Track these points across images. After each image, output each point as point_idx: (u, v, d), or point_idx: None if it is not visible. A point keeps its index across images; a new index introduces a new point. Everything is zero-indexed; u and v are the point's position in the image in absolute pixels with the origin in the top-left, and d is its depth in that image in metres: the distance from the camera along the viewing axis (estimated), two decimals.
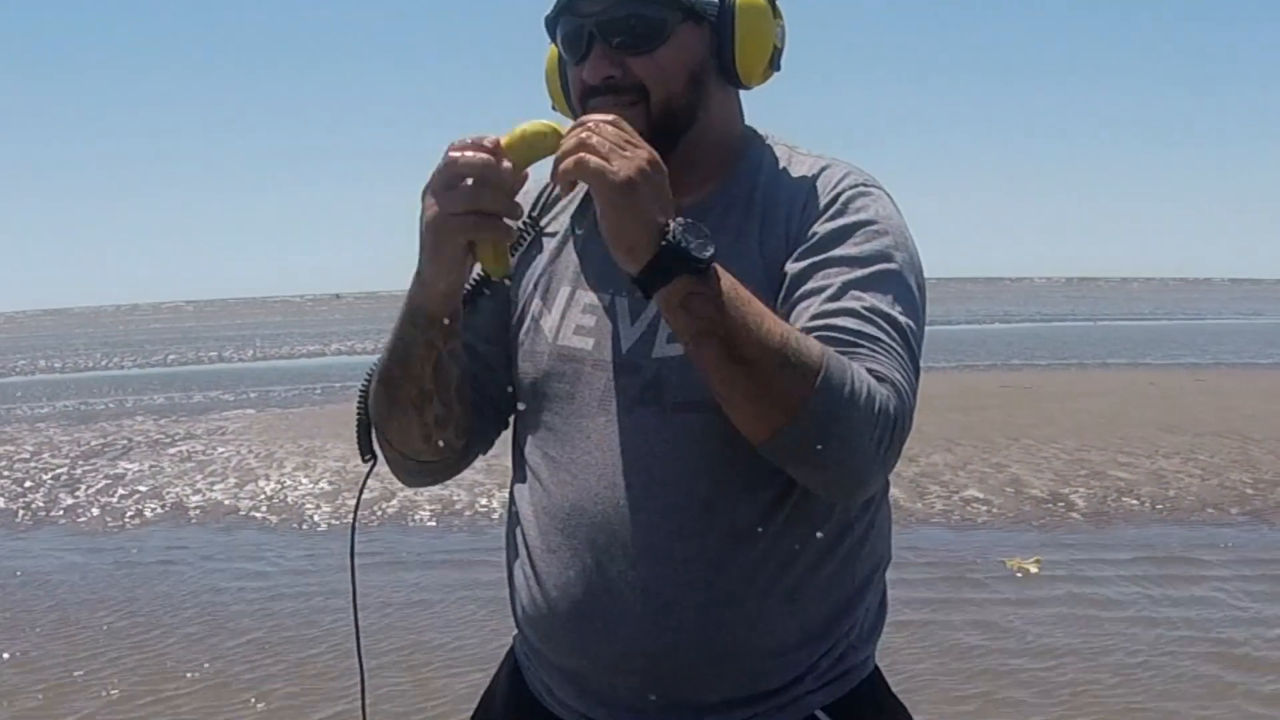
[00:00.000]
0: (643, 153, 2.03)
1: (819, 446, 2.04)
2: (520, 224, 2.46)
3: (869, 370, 2.11)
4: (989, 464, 13.72)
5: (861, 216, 2.30)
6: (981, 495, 12.33)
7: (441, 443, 2.40)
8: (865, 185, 2.36)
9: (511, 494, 2.52)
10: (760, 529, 2.26)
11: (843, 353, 2.11)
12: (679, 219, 2.02)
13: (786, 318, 2.19)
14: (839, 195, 2.33)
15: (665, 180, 2.04)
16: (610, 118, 2.07)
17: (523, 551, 2.43)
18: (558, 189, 2.35)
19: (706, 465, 2.25)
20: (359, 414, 2.46)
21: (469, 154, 2.07)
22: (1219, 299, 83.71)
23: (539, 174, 2.58)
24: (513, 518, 2.50)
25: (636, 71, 2.31)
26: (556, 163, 2.05)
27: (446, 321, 2.26)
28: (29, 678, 7.84)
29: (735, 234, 2.34)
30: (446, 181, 2.07)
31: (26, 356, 46.14)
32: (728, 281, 2.04)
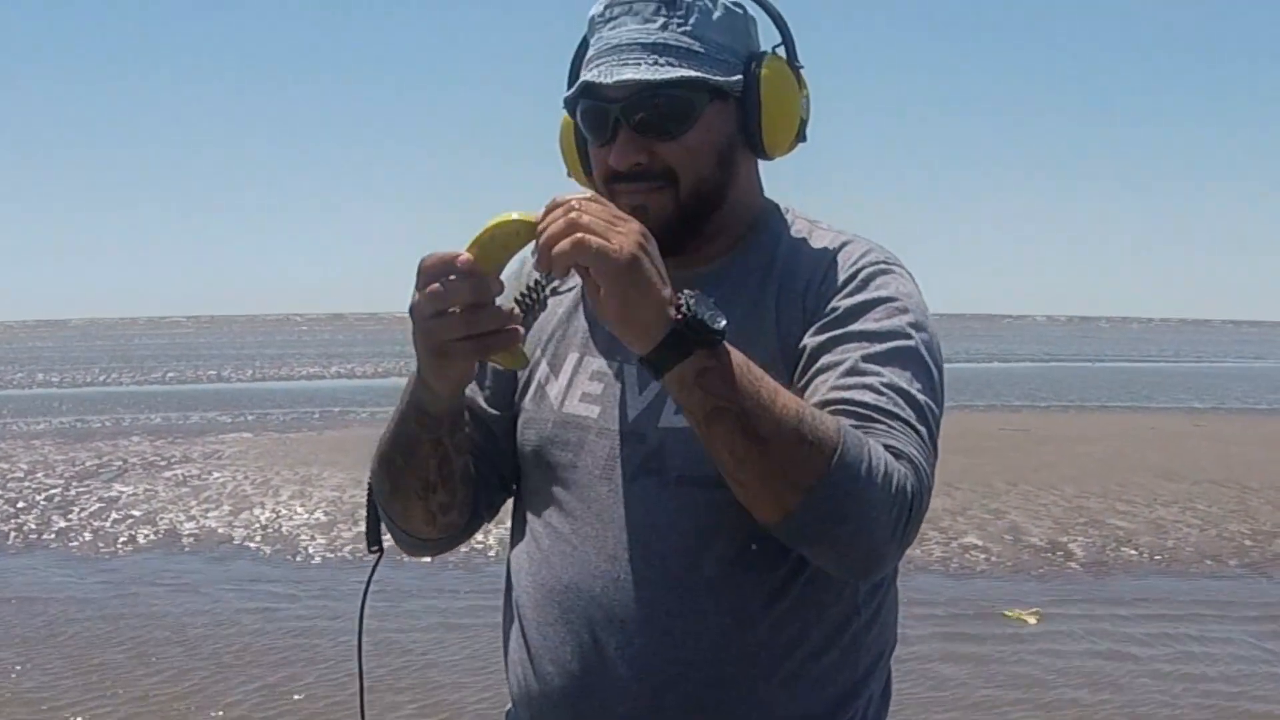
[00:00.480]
0: (635, 226, 1.95)
1: (834, 526, 1.99)
2: (527, 287, 2.42)
3: (886, 446, 2.05)
4: (988, 510, 13.66)
5: (882, 293, 2.25)
6: (980, 543, 12.27)
7: (445, 525, 2.37)
8: (886, 263, 2.32)
9: (509, 560, 2.47)
10: (764, 611, 2.21)
11: (859, 428, 2.05)
12: (686, 291, 1.96)
13: (803, 392, 2.15)
14: (858, 271, 2.28)
15: (657, 252, 1.97)
16: (589, 194, 2.00)
17: (518, 624, 2.38)
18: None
19: (710, 542, 2.19)
20: (369, 502, 2.42)
21: (450, 281, 1.97)
22: (1221, 341, 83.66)
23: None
24: (510, 585, 2.44)
25: (665, 157, 2.25)
26: (545, 249, 1.94)
27: (453, 418, 2.23)
28: (11, 703, 7.78)
29: (750, 305, 2.30)
30: (434, 311, 2.00)
31: (24, 370, 46.12)
32: (738, 355, 1.98)
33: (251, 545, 12.61)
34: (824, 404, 2.10)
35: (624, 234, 1.92)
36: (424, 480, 2.29)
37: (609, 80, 2.22)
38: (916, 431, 2.11)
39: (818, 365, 2.18)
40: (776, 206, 2.46)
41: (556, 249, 1.92)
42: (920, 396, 2.15)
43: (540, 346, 2.43)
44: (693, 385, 1.95)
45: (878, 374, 2.14)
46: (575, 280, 2.40)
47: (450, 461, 2.29)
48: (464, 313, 1.98)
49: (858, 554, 2.04)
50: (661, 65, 2.22)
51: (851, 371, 2.14)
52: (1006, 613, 9.74)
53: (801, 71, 2.37)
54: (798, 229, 2.41)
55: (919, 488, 2.06)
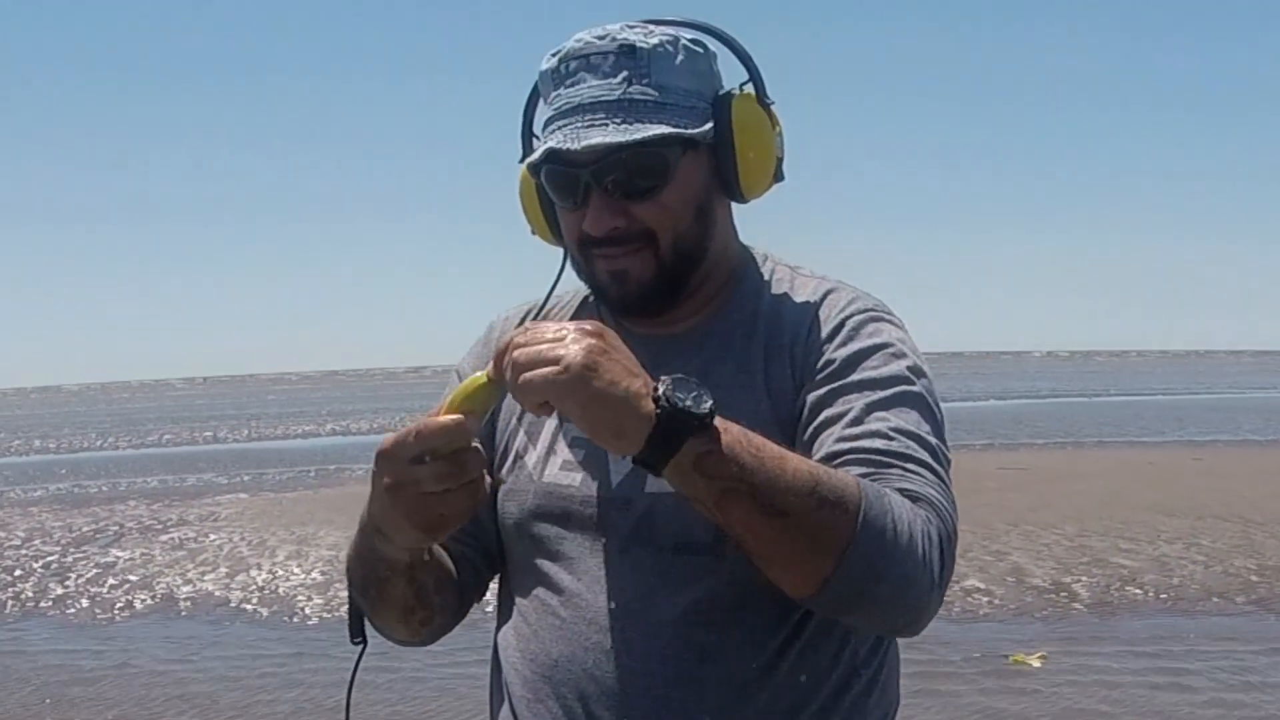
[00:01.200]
0: (582, 331, 1.84)
1: (873, 586, 1.91)
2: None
3: (903, 491, 1.98)
4: (989, 551, 13.55)
5: (877, 340, 2.19)
6: (983, 585, 12.15)
7: (431, 631, 2.32)
8: (875, 310, 2.26)
9: (496, 638, 2.39)
10: (763, 678, 2.14)
11: (871, 475, 1.99)
12: (663, 378, 1.84)
13: (808, 448, 2.08)
14: (846, 319, 2.22)
15: (619, 343, 1.87)
16: (517, 330, 1.88)
17: (507, 704, 2.30)
18: (540, 312, 2.33)
19: (707, 609, 2.13)
20: (350, 595, 2.34)
21: (433, 429, 1.86)
22: (1221, 372, 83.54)
23: (524, 299, 2.47)
24: (496, 663, 2.37)
25: (642, 217, 2.18)
26: (518, 399, 1.85)
27: (422, 554, 2.16)
28: None
29: (737, 363, 2.24)
30: (415, 458, 1.87)
31: (22, 436, 46.05)
32: (734, 428, 1.88)
33: (248, 607, 12.51)
34: (832, 456, 2.04)
35: (564, 349, 1.81)
36: (403, 606, 2.23)
37: (576, 146, 2.13)
38: (933, 471, 2.05)
39: (821, 419, 2.12)
40: (753, 252, 2.40)
41: (522, 398, 1.83)
42: (930, 438, 2.10)
43: (516, 415, 2.36)
44: (693, 473, 1.85)
45: (884, 419, 2.08)
46: None
47: (426, 587, 2.23)
48: (449, 461, 1.86)
49: (902, 609, 1.97)
50: (630, 125, 2.14)
51: (857, 420, 2.08)
52: (1011, 656, 9.64)
53: (773, 108, 2.29)
54: (779, 277, 2.35)
55: (944, 527, 1.99)
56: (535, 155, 2.18)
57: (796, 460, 1.91)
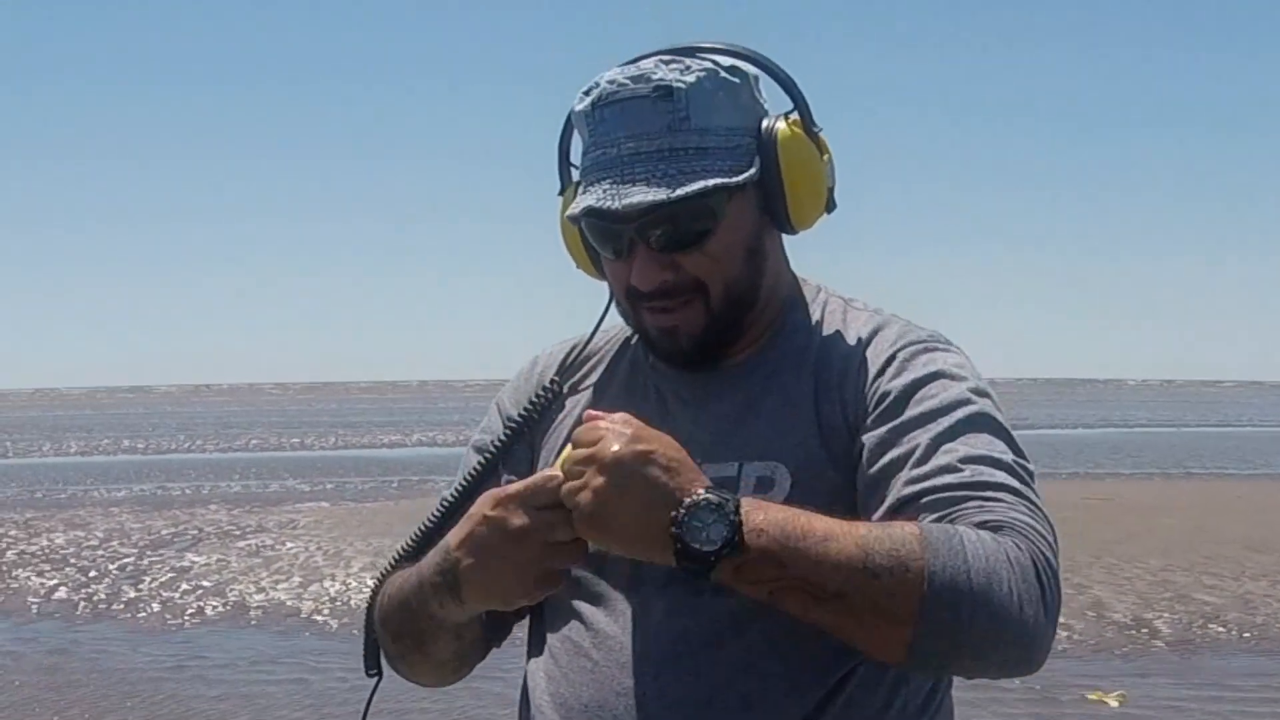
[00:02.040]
0: (600, 462, 1.84)
1: (965, 637, 1.78)
2: (542, 388, 2.29)
3: (982, 524, 1.84)
4: (1071, 585, 13.30)
5: (932, 368, 2.08)
6: (1063, 619, 11.64)
7: (457, 678, 2.30)
8: (928, 341, 2.14)
9: (525, 673, 2.27)
10: None
11: (948, 515, 1.87)
12: (683, 508, 1.80)
13: (875, 490, 1.98)
14: (897, 353, 2.11)
15: (644, 461, 1.84)
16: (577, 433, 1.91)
17: None
18: (584, 350, 2.27)
19: (748, 656, 2.01)
20: (368, 626, 2.30)
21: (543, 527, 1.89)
22: None
23: (549, 348, 2.38)
24: (525, 701, 2.25)
25: (690, 269, 2.08)
26: None
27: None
28: None
29: (786, 397, 2.13)
30: (548, 505, 1.89)
31: (111, 435, 46.59)
32: (773, 520, 1.81)
33: (319, 619, 12.51)
34: (904, 501, 1.93)
35: (582, 491, 1.84)
36: (437, 661, 2.21)
37: (618, 205, 2.02)
38: (1013, 491, 1.91)
39: (886, 460, 1.99)
40: (806, 283, 2.29)
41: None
42: (1006, 457, 1.96)
43: (554, 450, 2.23)
44: (735, 584, 1.83)
45: (952, 451, 1.95)
46: (591, 378, 2.31)
47: (466, 644, 2.19)
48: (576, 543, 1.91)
49: (1007, 649, 1.81)
50: (672, 177, 2.03)
51: (923, 459, 1.96)
52: (1089, 695, 9.45)
53: (821, 135, 2.17)
54: (831, 310, 2.24)
55: (1035, 550, 1.83)
56: (575, 211, 2.09)
57: (843, 534, 1.82)
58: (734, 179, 2.05)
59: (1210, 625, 11.87)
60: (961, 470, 1.93)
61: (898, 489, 1.95)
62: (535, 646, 2.25)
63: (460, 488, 2.27)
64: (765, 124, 2.13)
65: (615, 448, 1.83)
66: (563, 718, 2.11)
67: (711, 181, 2.03)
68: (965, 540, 1.80)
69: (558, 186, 2.29)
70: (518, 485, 1.90)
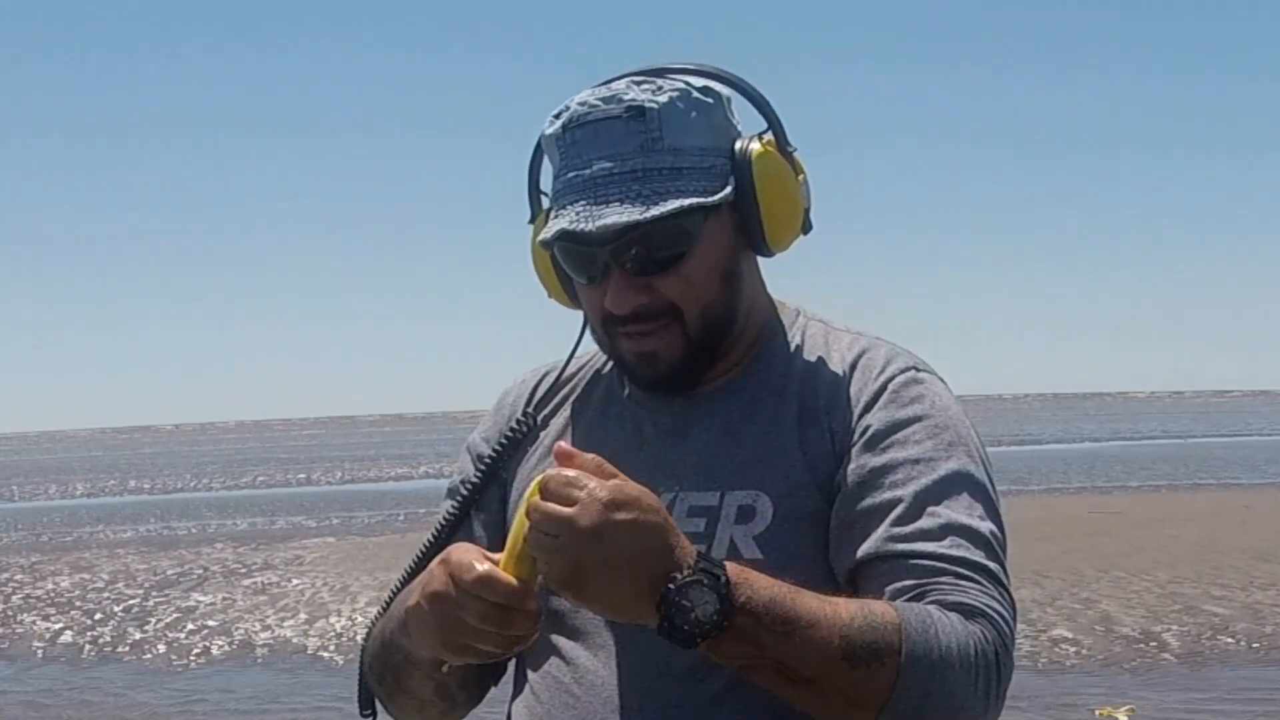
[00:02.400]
0: (575, 527, 1.76)
1: None
2: (517, 421, 2.25)
3: (956, 605, 1.87)
4: (1078, 599, 13.30)
5: (917, 409, 2.06)
6: (1070, 634, 11.91)
7: None
8: (915, 370, 2.13)
9: (509, 713, 2.25)
10: None
11: (924, 585, 1.89)
12: (678, 579, 1.76)
13: (849, 529, 1.98)
14: (887, 383, 2.09)
15: (628, 529, 1.76)
16: (533, 500, 1.81)
17: None
18: (559, 378, 2.23)
19: (730, 687, 1.99)
20: (361, 663, 2.27)
21: (497, 587, 1.82)
22: None
23: (521, 377, 2.35)
24: None
25: (666, 293, 2.05)
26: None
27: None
28: None
29: (769, 423, 2.10)
30: (475, 618, 1.84)
31: (117, 476, 46.55)
32: (760, 599, 1.79)
33: (325, 655, 12.47)
34: (879, 557, 1.94)
35: (559, 553, 1.77)
36: (418, 699, 2.16)
37: (591, 227, 1.99)
38: (986, 572, 1.93)
39: (865, 505, 1.99)
40: (784, 306, 2.26)
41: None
42: (983, 527, 1.96)
43: (524, 487, 2.21)
44: (711, 653, 1.81)
45: (934, 515, 1.95)
46: (565, 408, 2.28)
47: (447, 685, 2.15)
48: (499, 630, 1.85)
49: None
50: (646, 197, 1.99)
51: (904, 517, 1.96)
52: (1098, 710, 9.41)
53: (795, 155, 2.15)
54: (812, 334, 2.21)
55: (1000, 642, 1.88)
56: (548, 235, 2.05)
57: (827, 618, 1.82)
58: (709, 199, 2.03)
59: (1219, 636, 11.83)
60: (942, 540, 1.93)
61: (876, 542, 1.95)
62: (518, 685, 2.22)
63: (433, 536, 2.26)
64: (739, 145, 2.10)
65: (592, 520, 1.75)
66: None
67: (686, 201, 2.00)
68: (940, 630, 1.83)
69: (527, 215, 2.27)
70: (455, 553, 1.87)
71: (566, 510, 1.75)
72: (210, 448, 76.81)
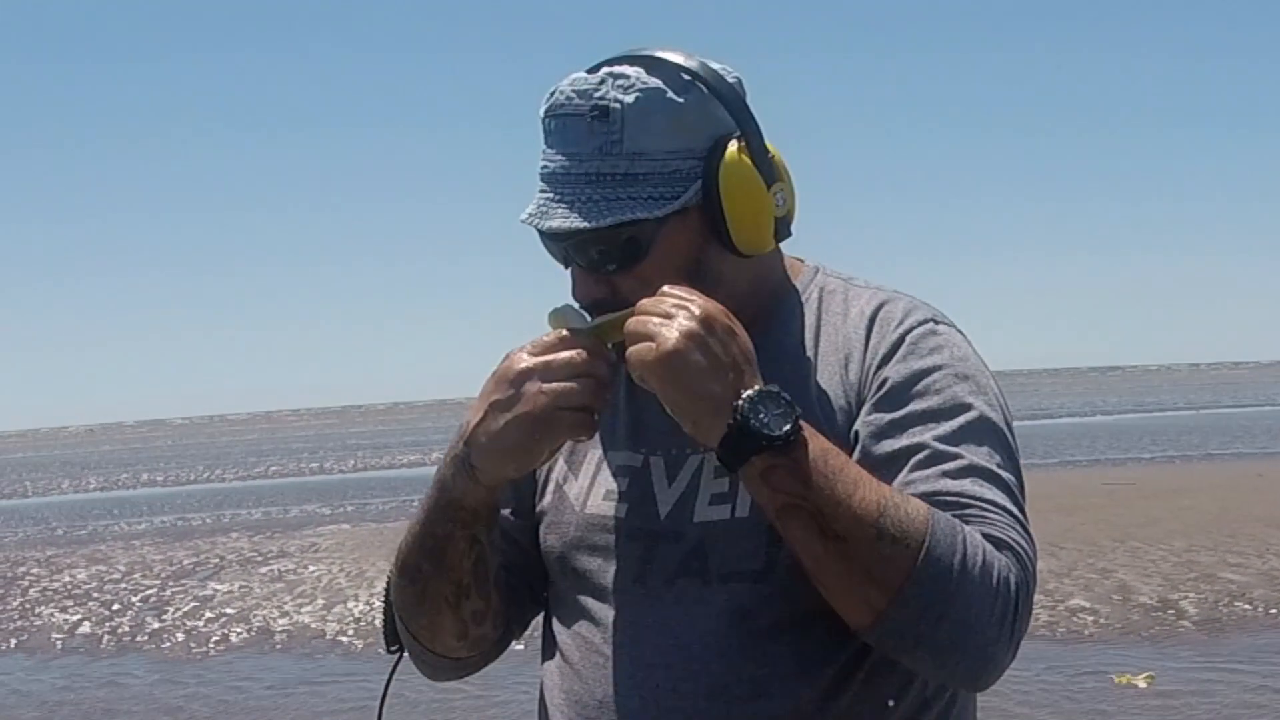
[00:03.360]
0: (690, 313, 1.85)
1: (931, 627, 1.83)
2: None
3: (986, 536, 1.87)
4: (1095, 569, 13.29)
5: (935, 359, 2.06)
6: (1088, 604, 11.91)
7: (478, 638, 2.18)
8: (933, 321, 2.12)
9: (541, 677, 2.25)
10: (819, 711, 2.00)
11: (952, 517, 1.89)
12: (754, 389, 1.84)
13: (873, 475, 1.95)
14: (905, 335, 2.09)
15: (730, 336, 1.88)
16: (665, 287, 1.91)
17: None
18: None
19: (758, 641, 1.99)
20: (387, 600, 2.24)
21: (579, 355, 1.92)
22: None
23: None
24: (542, 704, 2.24)
25: (625, 290, 2.04)
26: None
27: (491, 512, 2.09)
28: None
29: (788, 381, 2.06)
30: (567, 376, 1.92)
31: (129, 470, 46.61)
32: (817, 447, 1.85)
33: (344, 639, 12.50)
34: None
35: (664, 328, 1.83)
36: (457, 584, 2.10)
37: (542, 227, 2.03)
38: (1009, 513, 1.93)
39: (885, 453, 2.00)
40: (802, 267, 2.24)
41: (628, 363, 1.89)
42: (1004, 473, 1.97)
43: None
44: (759, 482, 1.85)
45: (956, 457, 1.96)
46: None
47: (486, 560, 2.11)
48: (595, 385, 1.92)
49: (964, 657, 1.86)
50: (596, 203, 2.00)
51: (926, 461, 1.97)
52: (1116, 677, 9.41)
53: (776, 159, 2.10)
54: (830, 289, 2.20)
55: (1024, 577, 1.88)
56: (521, 217, 2.08)
57: (871, 488, 1.86)
58: (656, 213, 2.01)
59: (1236, 603, 11.83)
60: (963, 480, 1.94)
61: (900, 485, 1.94)
62: (548, 648, 2.22)
63: None
64: (714, 148, 2.06)
65: (706, 311, 1.87)
66: (578, 714, 2.10)
67: (628, 216, 2.00)
68: (968, 540, 1.84)
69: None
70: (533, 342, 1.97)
71: (689, 296, 1.87)
72: (221, 440, 76.87)
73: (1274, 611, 11.50)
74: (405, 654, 2.23)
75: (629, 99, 2.02)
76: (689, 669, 2.01)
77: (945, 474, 1.95)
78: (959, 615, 1.82)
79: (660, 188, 2.02)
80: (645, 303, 1.89)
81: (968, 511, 1.90)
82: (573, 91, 2.04)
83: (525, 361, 1.93)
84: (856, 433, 2.04)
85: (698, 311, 1.85)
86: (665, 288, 1.91)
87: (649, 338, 1.83)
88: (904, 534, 1.81)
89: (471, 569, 2.10)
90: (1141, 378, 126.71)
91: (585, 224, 1.99)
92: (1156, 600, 12.03)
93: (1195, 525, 16.00)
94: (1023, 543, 1.91)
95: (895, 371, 2.05)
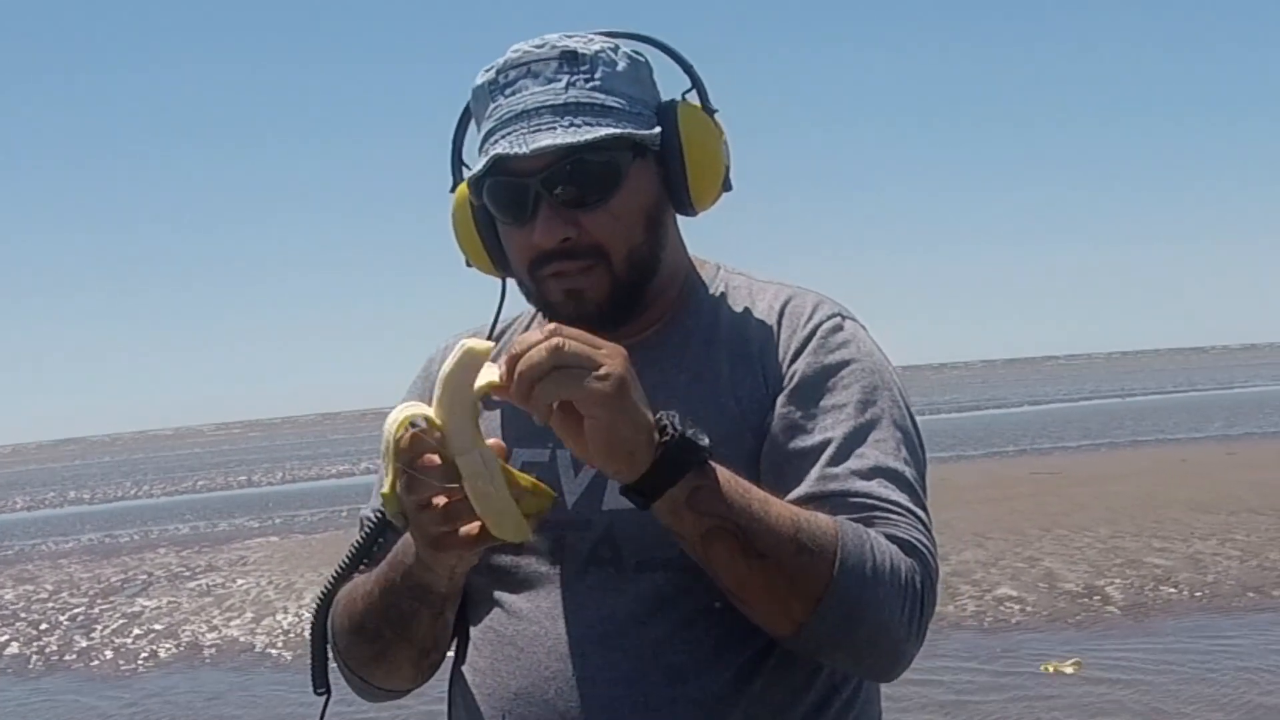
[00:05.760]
0: (616, 347, 1.80)
1: (849, 632, 1.92)
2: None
3: (891, 537, 1.95)
4: (1021, 558, 13.38)
5: (843, 355, 2.12)
6: (1015, 593, 11.98)
7: (429, 670, 2.22)
8: (841, 317, 2.18)
9: (452, 680, 2.26)
10: (734, 695, 2.03)
11: (860, 520, 1.95)
12: (665, 411, 1.84)
13: (779, 471, 2.04)
14: (815, 329, 2.15)
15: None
16: (550, 327, 1.79)
17: None
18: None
19: (674, 629, 2.02)
20: (314, 642, 2.24)
21: (422, 471, 1.81)
22: (1245, 366, 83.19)
23: (445, 342, 2.35)
24: (454, 705, 2.24)
25: (592, 230, 2.06)
26: (524, 384, 1.76)
27: (458, 590, 2.09)
28: None
29: (695, 373, 2.15)
30: (418, 505, 1.84)
31: (55, 489, 46.20)
32: (724, 470, 1.87)
33: (273, 652, 12.42)
34: (811, 498, 2.00)
35: (609, 356, 1.77)
36: (421, 648, 2.14)
37: (525, 150, 2.01)
38: (912, 512, 2.01)
39: (794, 447, 2.06)
40: (703, 262, 2.31)
41: (539, 386, 1.75)
42: (907, 471, 2.05)
43: None
44: (684, 508, 1.85)
45: (861, 456, 2.03)
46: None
47: (448, 626, 2.14)
48: (445, 506, 1.83)
49: (879, 655, 1.98)
50: (579, 126, 2.03)
51: (834, 458, 2.03)
52: (1044, 665, 9.47)
53: (716, 116, 2.19)
54: (735, 285, 2.26)
55: (927, 575, 1.98)
56: (479, 167, 2.07)
57: (779, 505, 1.91)
58: (640, 131, 2.07)
59: (1162, 587, 11.94)
60: (869, 479, 2.01)
61: (809, 484, 2.02)
62: (460, 651, 2.24)
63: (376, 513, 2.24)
64: (664, 101, 2.16)
65: (622, 364, 1.79)
66: (492, 709, 2.11)
67: (619, 130, 2.05)
68: (875, 546, 1.92)
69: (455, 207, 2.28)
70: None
71: (602, 352, 1.78)
72: (147, 455, 76.32)
73: (1199, 595, 11.60)
74: (332, 695, 2.24)
75: (594, 48, 2.10)
76: (607, 656, 2.03)
77: (854, 473, 2.02)
78: (874, 618, 1.91)
79: (632, 123, 2.08)
80: (563, 330, 1.78)
81: (874, 514, 1.98)
82: (531, 47, 2.10)
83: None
84: (769, 424, 2.08)
85: (622, 353, 1.80)
86: (552, 326, 1.82)
87: (592, 367, 1.75)
88: (819, 546, 1.87)
89: (435, 636, 2.13)
90: (1067, 367, 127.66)
91: (574, 139, 2.01)
92: (1083, 587, 12.12)
93: (1121, 511, 16.17)
94: (925, 541, 1.99)
95: (805, 364, 2.11)
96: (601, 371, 1.75)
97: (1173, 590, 11.82)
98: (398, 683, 2.21)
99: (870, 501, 1.99)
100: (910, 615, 1.94)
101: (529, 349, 1.75)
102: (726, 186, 2.21)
